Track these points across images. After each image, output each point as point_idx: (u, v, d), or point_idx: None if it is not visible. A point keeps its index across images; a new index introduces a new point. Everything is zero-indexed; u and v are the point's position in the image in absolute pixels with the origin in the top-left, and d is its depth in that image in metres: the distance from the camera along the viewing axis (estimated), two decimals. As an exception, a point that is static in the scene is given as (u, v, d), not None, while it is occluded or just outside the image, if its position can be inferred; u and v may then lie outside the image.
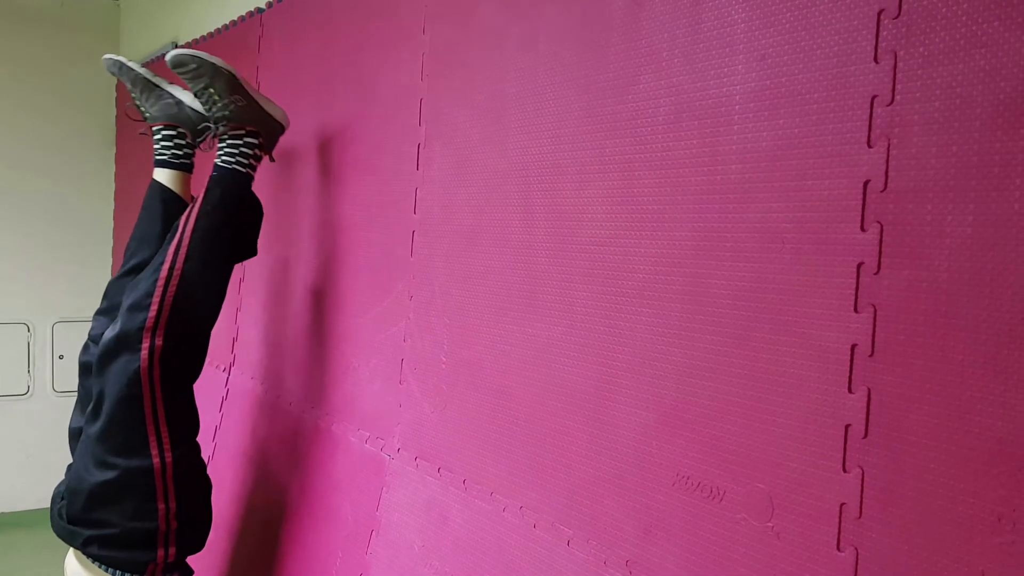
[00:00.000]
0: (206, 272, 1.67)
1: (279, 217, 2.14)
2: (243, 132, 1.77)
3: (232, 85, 1.75)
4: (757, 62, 0.97)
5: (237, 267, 2.18)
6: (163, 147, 1.93)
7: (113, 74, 1.98)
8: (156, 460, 1.60)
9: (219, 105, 1.75)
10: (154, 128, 1.94)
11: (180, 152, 1.93)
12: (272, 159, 1.88)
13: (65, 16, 3.89)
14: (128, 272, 1.88)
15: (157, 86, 1.96)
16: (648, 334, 1.09)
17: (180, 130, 1.93)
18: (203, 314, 1.69)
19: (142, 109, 1.98)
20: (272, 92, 2.22)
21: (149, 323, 1.60)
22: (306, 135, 2.04)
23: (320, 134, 1.97)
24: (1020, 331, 0.74)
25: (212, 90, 1.74)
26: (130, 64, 1.94)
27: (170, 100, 1.94)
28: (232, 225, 1.74)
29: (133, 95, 1.99)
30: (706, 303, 1.01)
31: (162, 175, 1.92)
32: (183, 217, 1.71)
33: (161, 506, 1.61)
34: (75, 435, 1.83)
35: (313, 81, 2.02)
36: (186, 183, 1.95)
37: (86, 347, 1.87)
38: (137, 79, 1.95)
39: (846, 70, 0.88)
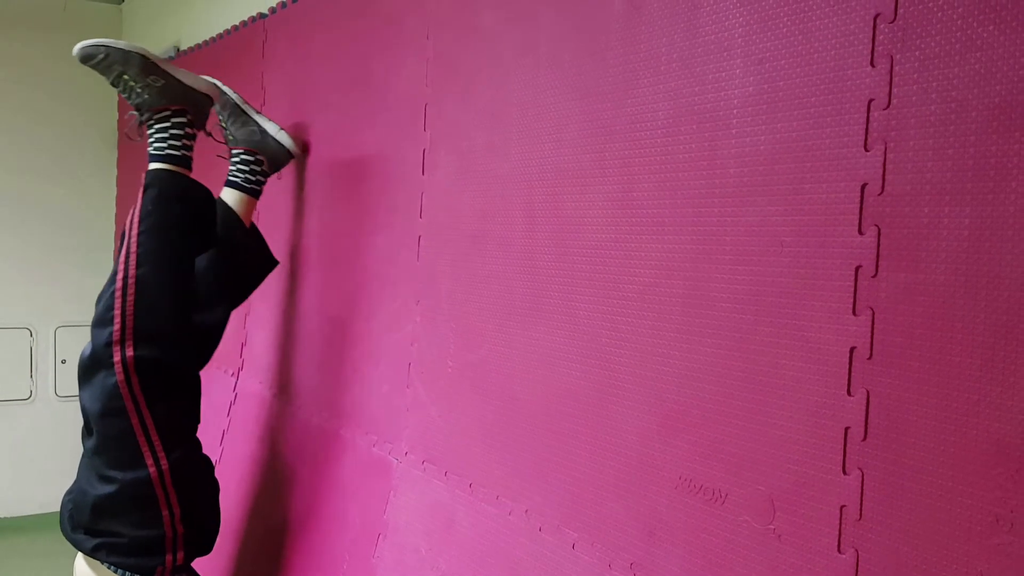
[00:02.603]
0: (161, 273, 1.63)
1: (286, 222, 2.15)
2: (168, 113, 1.71)
3: (145, 67, 1.69)
4: (755, 66, 0.97)
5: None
6: (238, 170, 1.95)
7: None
8: (152, 469, 1.60)
9: (137, 91, 1.70)
10: (233, 151, 1.96)
11: (253, 178, 1.95)
12: (208, 134, 1.83)
13: (67, 20, 3.90)
14: None
15: (245, 112, 1.98)
16: (649, 337, 1.10)
17: (259, 157, 1.95)
18: (169, 316, 1.65)
19: (227, 132, 2.01)
20: (277, 97, 2.23)
21: (115, 336, 1.58)
22: (311, 141, 2.05)
23: (326, 140, 1.98)
24: (1017, 333, 0.74)
25: (126, 76, 1.69)
26: (223, 88, 1.96)
27: (254, 127, 1.97)
28: (177, 220, 1.69)
29: (220, 117, 2.00)
30: (706, 306, 1.02)
31: (230, 195, 1.94)
32: (127, 222, 1.67)
33: (165, 512, 1.61)
34: None
35: (318, 87, 2.03)
36: (250, 207, 1.97)
37: None
38: (227, 103, 1.98)
39: (843, 74, 0.88)
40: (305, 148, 2.05)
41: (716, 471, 1.00)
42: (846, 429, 0.87)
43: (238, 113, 1.97)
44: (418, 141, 1.61)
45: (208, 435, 1.78)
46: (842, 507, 0.87)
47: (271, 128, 1.98)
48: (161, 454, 1.61)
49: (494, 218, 1.39)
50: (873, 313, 0.85)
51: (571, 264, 1.23)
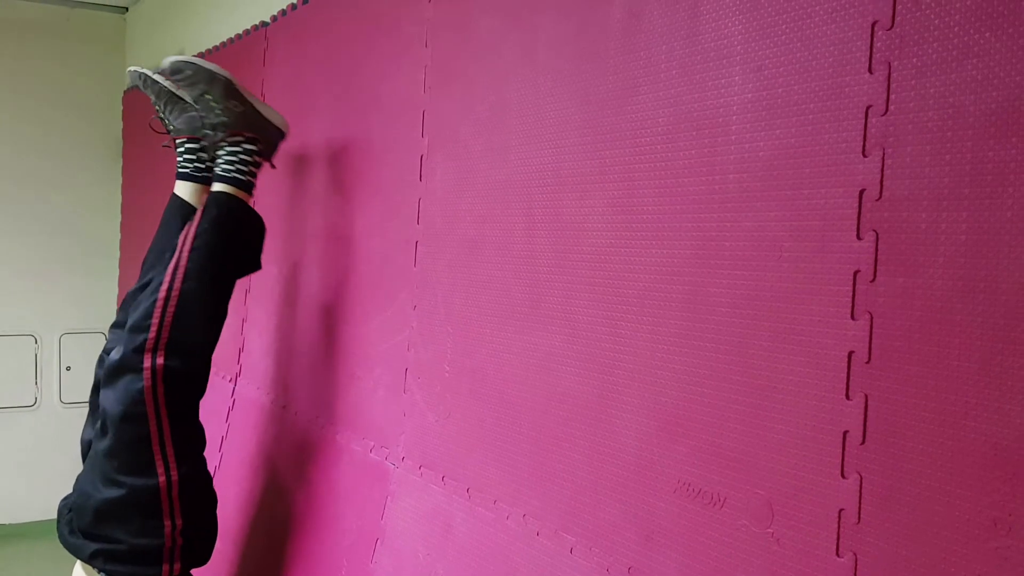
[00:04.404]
0: (205, 291, 1.67)
1: (284, 228, 2.15)
2: (241, 139, 1.76)
3: (229, 91, 1.74)
4: (754, 73, 0.98)
5: (242, 279, 2.19)
6: (186, 160, 1.93)
7: (136, 87, 1.99)
8: (162, 478, 1.61)
9: (216, 111, 1.74)
10: (177, 141, 1.95)
11: (203, 166, 1.93)
12: (273, 166, 1.86)
13: (72, 28, 3.93)
14: (145, 285, 1.88)
15: (181, 99, 1.96)
16: (648, 342, 1.10)
17: (204, 143, 1.94)
18: (203, 332, 1.68)
19: (166, 122, 1.99)
20: (277, 105, 2.24)
21: (149, 344, 1.60)
22: (310, 147, 2.05)
23: (324, 146, 1.99)
24: (1014, 337, 0.75)
25: (209, 96, 1.73)
26: (154, 76, 1.95)
27: (193, 113, 1.94)
28: (230, 243, 1.73)
29: (157, 108, 1.99)
30: (705, 311, 1.02)
31: (183, 188, 1.93)
32: (182, 236, 1.70)
33: (167, 523, 1.62)
34: (87, 447, 1.84)
35: (318, 94, 2.04)
36: (206, 197, 1.95)
37: (101, 361, 1.89)
38: (161, 92, 1.95)
39: (841, 80, 0.89)
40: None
41: (714, 475, 1.00)
42: (844, 433, 0.87)
43: (174, 100, 1.94)
44: (416, 147, 1.61)
45: (207, 441, 1.78)
46: (840, 511, 0.87)
47: None
48: (172, 464, 1.62)
49: (492, 223, 1.40)
50: (871, 317, 0.85)
51: (570, 269, 1.23)
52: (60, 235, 3.91)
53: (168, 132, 1.98)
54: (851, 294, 0.87)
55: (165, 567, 1.63)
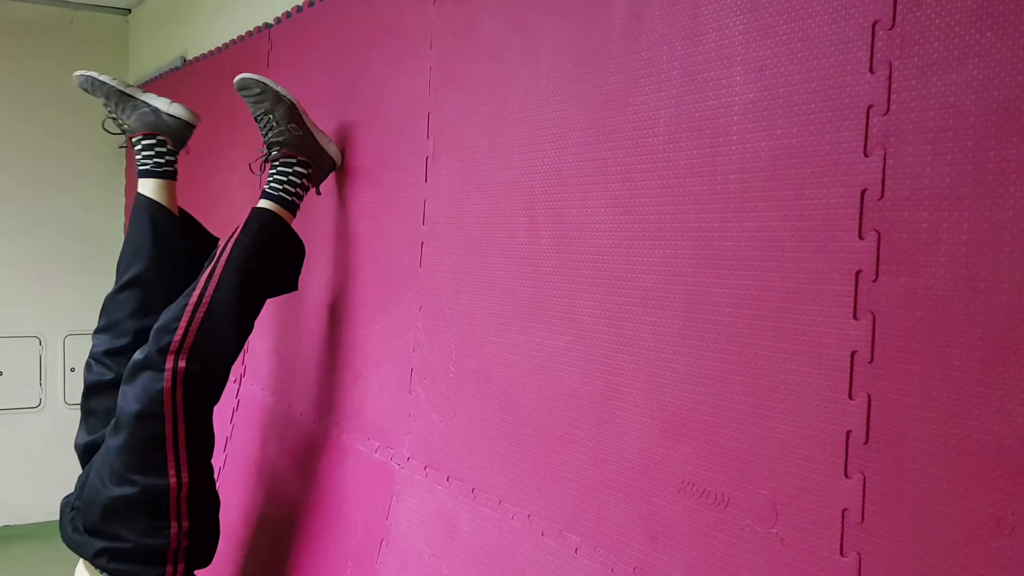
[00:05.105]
0: (234, 302, 1.69)
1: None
2: (294, 161, 1.78)
3: (292, 115, 1.77)
4: (755, 73, 0.98)
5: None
6: (144, 157, 1.94)
7: (86, 90, 1.98)
8: (173, 480, 1.63)
9: (276, 131, 1.77)
10: (134, 139, 1.95)
11: (162, 160, 1.94)
12: (318, 192, 1.89)
13: (75, 31, 3.94)
14: (122, 287, 1.90)
15: (132, 96, 1.95)
16: (651, 342, 1.10)
17: (160, 138, 1.94)
18: (227, 342, 1.71)
19: (119, 122, 1.99)
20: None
21: (173, 346, 1.63)
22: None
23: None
24: (1016, 336, 0.75)
25: (271, 116, 1.77)
26: (101, 78, 1.95)
27: (146, 109, 1.94)
28: (267, 259, 1.75)
29: (108, 108, 1.99)
30: (708, 311, 1.03)
31: (146, 186, 1.94)
32: (220, 245, 1.73)
33: (174, 524, 1.63)
34: (83, 451, 1.85)
35: (322, 96, 2.04)
36: (171, 191, 1.96)
37: (89, 366, 1.90)
38: (111, 92, 1.95)
39: (842, 80, 0.89)
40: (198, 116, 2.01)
41: (718, 475, 1.01)
42: (848, 433, 0.87)
43: (124, 99, 1.95)
44: (421, 149, 1.62)
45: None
46: (844, 510, 0.87)
47: (162, 104, 1.96)
48: (184, 468, 1.64)
49: (496, 224, 1.40)
50: (874, 317, 0.85)
51: (573, 269, 1.24)
52: (64, 236, 3.93)
53: (123, 132, 1.99)
54: (853, 294, 0.87)
55: (168, 568, 1.65)
